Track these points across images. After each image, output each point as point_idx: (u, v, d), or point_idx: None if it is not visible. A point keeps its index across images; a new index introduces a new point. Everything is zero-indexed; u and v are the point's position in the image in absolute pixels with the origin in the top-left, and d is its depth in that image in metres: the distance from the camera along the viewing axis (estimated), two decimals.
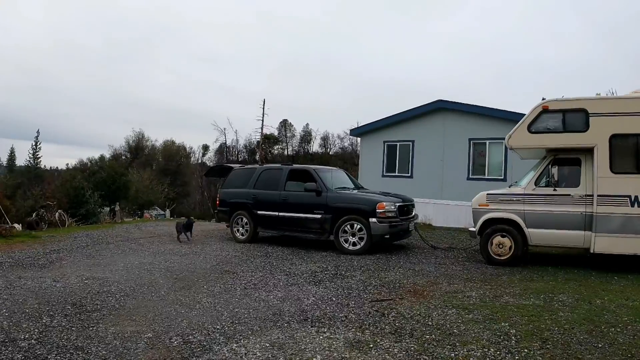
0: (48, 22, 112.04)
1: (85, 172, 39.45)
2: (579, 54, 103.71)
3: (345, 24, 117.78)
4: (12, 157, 78.81)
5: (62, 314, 6.04)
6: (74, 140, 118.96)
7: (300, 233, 12.41)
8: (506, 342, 5.13)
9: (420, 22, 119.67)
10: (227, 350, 4.83)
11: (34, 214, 19.31)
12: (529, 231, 9.92)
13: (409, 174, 20.62)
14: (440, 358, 4.68)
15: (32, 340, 5.07)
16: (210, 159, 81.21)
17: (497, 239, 10.16)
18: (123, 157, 69.23)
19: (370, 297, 7.22)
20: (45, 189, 31.51)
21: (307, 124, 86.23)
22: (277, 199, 12.56)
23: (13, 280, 7.86)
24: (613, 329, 5.58)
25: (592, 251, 9.41)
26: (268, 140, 69.87)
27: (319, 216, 11.78)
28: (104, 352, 4.78)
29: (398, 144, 21.07)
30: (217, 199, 14.34)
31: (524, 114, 16.94)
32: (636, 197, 9.09)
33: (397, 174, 20.99)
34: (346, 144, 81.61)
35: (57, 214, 20.46)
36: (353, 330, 5.55)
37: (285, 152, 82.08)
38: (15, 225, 16.87)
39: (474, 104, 19.12)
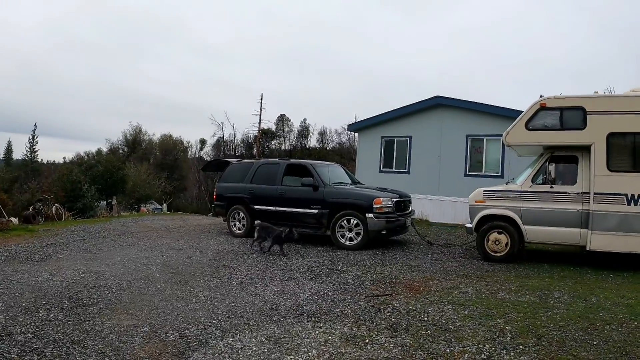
0: (46, 14, 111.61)
1: (83, 166, 39.37)
2: (580, 50, 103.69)
3: (344, 18, 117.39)
4: (9, 150, 78.78)
5: (59, 308, 6.04)
6: (72, 134, 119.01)
7: (297, 228, 12.39)
8: (501, 339, 5.15)
9: (420, 16, 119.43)
10: (224, 345, 4.84)
11: (30, 208, 19.24)
12: (525, 228, 9.94)
13: (406, 170, 20.62)
14: (435, 354, 4.70)
15: (29, 334, 5.07)
16: (207, 153, 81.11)
17: (494, 235, 10.18)
18: (120, 151, 69.07)
19: (366, 292, 7.24)
20: (42, 183, 31.43)
21: (305, 119, 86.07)
22: (274, 193, 12.56)
23: (9, 274, 7.85)
24: (608, 327, 5.60)
25: (588, 249, 9.43)
26: (265, 134, 69.85)
27: (316, 211, 11.79)
28: (100, 346, 4.78)
29: (395, 139, 21.05)
30: (214, 193, 14.32)
31: (522, 111, 17.11)
32: (632, 195, 9.11)
33: (394, 169, 20.99)
34: (344, 140, 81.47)
35: (53, 207, 20.40)
36: (349, 325, 5.57)
37: (283, 147, 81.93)
38: (12, 219, 16.89)
39: (472, 100, 19.11)
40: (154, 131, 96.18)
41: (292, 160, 13.68)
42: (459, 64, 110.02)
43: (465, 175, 18.96)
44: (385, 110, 21.46)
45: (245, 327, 5.45)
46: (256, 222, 11.30)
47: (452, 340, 5.10)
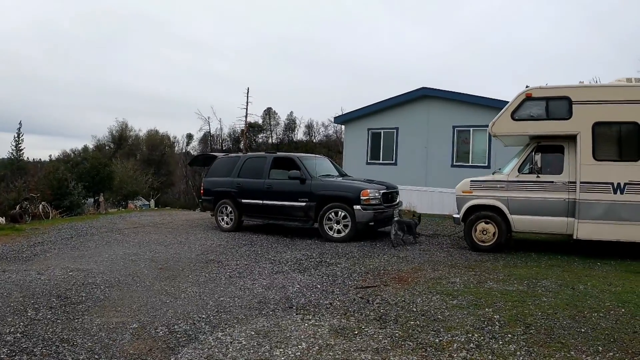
0: (28, 8, 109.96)
1: (69, 163, 39.08)
2: (565, 39, 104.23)
3: (331, 9, 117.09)
4: None
5: (47, 307, 6.01)
6: (57, 131, 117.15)
7: (284, 221, 12.43)
8: (490, 328, 5.20)
9: (407, 7, 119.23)
10: (213, 339, 4.85)
11: (17, 207, 19.06)
12: (513, 218, 9.99)
13: (393, 162, 20.70)
14: (424, 344, 4.74)
15: (18, 334, 5.05)
16: (194, 148, 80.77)
17: (481, 225, 10.22)
18: (107, 148, 68.54)
19: (355, 284, 7.27)
20: (28, 181, 31.14)
21: (292, 112, 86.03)
22: (262, 187, 12.55)
23: None
24: (596, 314, 5.66)
25: (575, 237, 9.50)
26: (252, 128, 69.62)
27: (304, 204, 11.79)
28: (89, 343, 4.77)
29: (382, 131, 21.10)
30: (201, 187, 14.28)
31: (508, 102, 17.21)
32: (619, 184, 9.19)
33: (381, 161, 21.06)
34: (330, 132, 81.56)
35: (40, 206, 20.24)
36: (338, 317, 5.59)
37: (270, 141, 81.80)
38: None
39: (458, 91, 19.21)
40: (140, 127, 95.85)
41: (278, 153, 13.64)
42: (446, 56, 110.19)
43: (452, 166, 19.08)
44: (372, 102, 21.49)
45: (235, 321, 5.45)
46: (395, 218, 11.50)
47: (441, 330, 5.14)
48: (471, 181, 10.51)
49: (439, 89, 19.57)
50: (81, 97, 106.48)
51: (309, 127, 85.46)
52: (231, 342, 4.76)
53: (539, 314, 5.68)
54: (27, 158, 71.71)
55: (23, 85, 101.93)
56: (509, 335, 4.96)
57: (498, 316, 5.59)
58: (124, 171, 44.79)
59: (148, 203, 39.42)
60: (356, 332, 5.05)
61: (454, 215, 10.81)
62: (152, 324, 5.35)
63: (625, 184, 9.16)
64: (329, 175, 12.77)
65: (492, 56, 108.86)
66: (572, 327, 5.20)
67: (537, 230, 10.23)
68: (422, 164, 19.73)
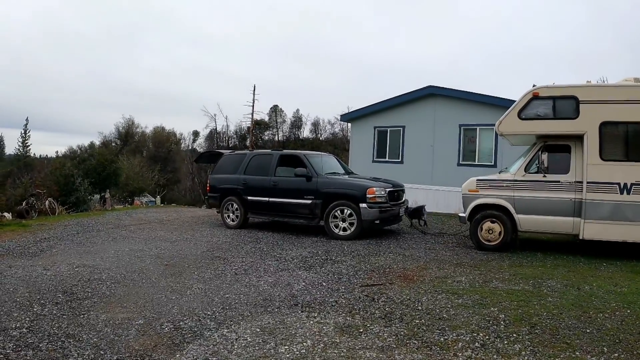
0: (37, 6, 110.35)
1: (75, 160, 39.14)
2: (573, 39, 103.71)
3: (339, 6, 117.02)
4: (1, 145, 78.29)
5: (53, 302, 6.04)
6: (64, 127, 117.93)
7: (290, 218, 12.46)
8: (495, 327, 5.19)
9: (415, 5, 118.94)
10: (218, 336, 4.86)
11: (23, 203, 19.08)
12: (519, 217, 9.95)
13: (400, 160, 20.67)
14: (429, 342, 4.73)
15: (24, 329, 5.08)
16: (200, 145, 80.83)
17: (487, 224, 10.20)
18: (113, 144, 68.69)
19: (360, 282, 7.26)
20: (34, 177, 31.21)
21: (298, 110, 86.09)
22: (268, 184, 12.56)
23: (3, 269, 7.84)
24: (601, 315, 5.63)
25: (581, 237, 9.46)
26: (258, 126, 69.67)
27: (309, 201, 11.79)
28: (95, 339, 4.79)
29: (388, 129, 21.07)
30: (207, 184, 14.30)
31: (514, 101, 17.13)
32: (625, 184, 9.15)
33: (387, 159, 21.03)
34: (337, 130, 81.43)
35: (47, 202, 20.27)
36: (343, 315, 5.60)
37: (276, 138, 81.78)
38: (5, 214, 16.78)
39: (465, 89, 19.15)
40: (147, 123, 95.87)
41: (285, 150, 13.68)
42: (453, 54, 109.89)
43: (459, 164, 19.02)
44: (378, 100, 21.48)
45: (240, 318, 5.46)
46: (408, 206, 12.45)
47: (446, 328, 5.14)
48: (477, 180, 10.48)
49: (445, 88, 19.52)
50: (88, 94, 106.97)
51: (315, 125, 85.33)
52: (236, 339, 4.76)
53: (544, 314, 5.66)
54: (34, 154, 72.22)
55: (30, 81, 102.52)
56: (514, 335, 4.94)
57: (503, 315, 5.57)
58: (130, 168, 44.90)
59: (154, 200, 39.47)
60: (361, 330, 5.05)
61: (460, 214, 10.78)
62: (157, 320, 5.37)
63: (632, 185, 9.12)
64: (335, 173, 12.77)
65: (500, 57, 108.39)
66: (578, 328, 5.17)
67: (543, 230, 10.18)
68: (428, 163, 19.69)
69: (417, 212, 13.02)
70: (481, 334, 4.97)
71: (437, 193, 19.26)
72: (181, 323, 5.26)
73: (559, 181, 9.72)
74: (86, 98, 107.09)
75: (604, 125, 9.37)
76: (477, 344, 4.71)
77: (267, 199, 12.54)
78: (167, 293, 6.47)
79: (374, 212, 11.11)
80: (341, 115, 23.56)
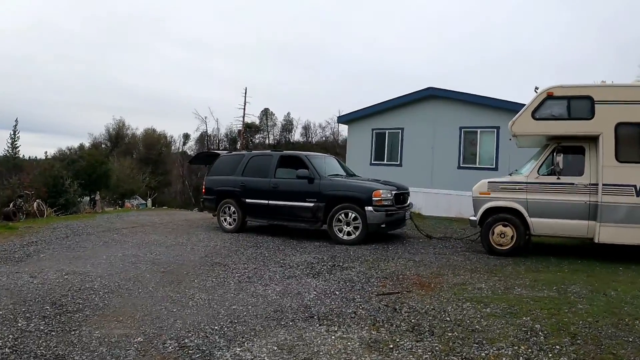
0: (25, 4, 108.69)
1: (65, 161, 38.33)
2: (568, 44, 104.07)
3: (331, 10, 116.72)
4: None
5: (40, 316, 5.40)
6: (54, 128, 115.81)
7: (291, 222, 11.88)
8: (535, 339, 4.77)
9: (406, 9, 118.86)
10: (231, 356, 4.28)
11: (11, 204, 18.37)
12: (532, 220, 9.57)
13: (398, 162, 20.16)
14: (470, 358, 4.23)
15: (6, 349, 4.43)
16: (191, 147, 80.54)
17: (499, 228, 9.77)
18: (103, 146, 67.90)
19: (375, 289, 6.75)
20: (23, 179, 30.44)
21: (289, 113, 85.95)
22: (267, 186, 12.00)
23: None
24: (637, 322, 5.33)
25: (596, 241, 9.15)
26: (249, 129, 69.27)
27: (312, 204, 11.25)
28: None
29: (387, 131, 20.56)
30: (203, 186, 13.71)
31: (518, 103, 16.78)
32: None
33: (385, 162, 20.51)
34: (327, 133, 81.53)
35: (35, 204, 19.57)
36: (367, 328, 5.06)
37: (267, 141, 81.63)
38: None
39: (465, 91, 18.68)
40: (138, 125, 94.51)
41: (285, 151, 13.10)
42: (445, 59, 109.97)
43: (459, 167, 18.57)
44: (376, 102, 20.98)
45: (252, 333, 4.89)
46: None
47: (484, 342, 4.66)
48: (489, 182, 10.05)
49: (445, 89, 19.05)
50: (78, 95, 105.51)
51: (306, 128, 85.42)
52: (252, 359, 4.20)
53: (580, 322, 5.28)
54: (23, 156, 70.73)
55: (20, 82, 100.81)
56: (557, 347, 4.54)
57: (539, 325, 5.15)
58: (120, 170, 44.23)
59: (145, 202, 38.88)
60: (391, 346, 4.52)
61: (471, 218, 10.31)
62: (159, 337, 4.77)
63: None
64: (338, 174, 12.24)
65: (496, 63, 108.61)
66: (619, 336, 4.85)
67: (556, 234, 9.80)
68: (427, 166, 19.20)
69: None
70: (522, 347, 4.52)
71: (437, 196, 18.77)
72: (186, 340, 4.66)
73: (573, 183, 9.40)
74: (77, 99, 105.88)
75: (619, 126, 9.10)
76: (521, 358, 4.27)
77: (266, 201, 11.97)
78: (167, 304, 5.86)
79: (380, 215, 10.60)
80: (338, 117, 23.01)
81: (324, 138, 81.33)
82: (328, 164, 12.48)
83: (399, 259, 9.14)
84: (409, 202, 12.19)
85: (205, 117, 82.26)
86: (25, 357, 4.27)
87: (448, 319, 5.39)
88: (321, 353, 4.32)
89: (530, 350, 4.45)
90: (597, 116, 9.19)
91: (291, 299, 6.17)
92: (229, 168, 12.99)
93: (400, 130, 20.15)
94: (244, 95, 53.16)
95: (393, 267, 8.37)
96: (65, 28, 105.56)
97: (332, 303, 6.03)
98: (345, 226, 10.89)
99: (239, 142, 60.81)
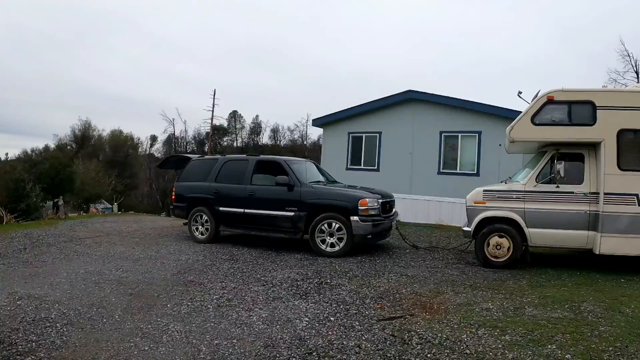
0: None
1: (27, 164, 36.56)
2: (531, 50, 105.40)
3: (302, 12, 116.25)
4: None
5: None
6: (18, 129, 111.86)
7: (269, 232, 11.02)
8: None
9: (378, 13, 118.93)
10: None
11: None
12: (530, 231, 9.08)
13: (376, 167, 19.48)
14: None
15: None
16: (158, 150, 79.17)
17: (495, 239, 9.23)
18: (68, 147, 65.46)
19: (374, 314, 6.00)
20: None
21: (257, 116, 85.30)
22: (243, 193, 11.14)
23: None
24: None
25: (597, 252, 8.72)
26: (217, 131, 68.13)
27: (292, 213, 10.45)
28: None
29: (364, 135, 19.87)
30: (173, 193, 12.76)
31: (501, 107, 16.34)
32: None
33: (362, 167, 19.80)
34: (296, 137, 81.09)
35: None
36: None
37: (235, 144, 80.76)
38: None
39: (446, 95, 18.15)
40: (104, 126, 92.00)
41: (262, 156, 12.23)
42: (418, 64, 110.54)
43: (439, 173, 18.02)
44: (353, 105, 20.28)
45: None
46: None
47: None
48: (484, 191, 9.48)
49: (425, 92, 18.44)
50: (44, 95, 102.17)
51: (275, 131, 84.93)
52: None
53: (610, 349, 4.79)
54: None
55: None
56: None
57: (569, 355, 4.61)
58: (85, 172, 42.47)
59: (111, 207, 37.41)
60: None
61: (464, 228, 9.68)
62: None
63: None
64: (319, 181, 11.45)
65: (466, 67, 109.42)
66: None
67: (555, 245, 9.30)
68: (406, 171, 18.58)
69: None
70: None
71: (416, 203, 18.15)
72: None
73: (572, 192, 8.95)
74: (42, 99, 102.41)
75: (622, 133, 8.75)
76: None
77: (242, 210, 11.12)
78: (137, 340, 4.92)
79: (366, 225, 9.87)
80: (313, 120, 22.20)
81: (291, 141, 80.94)
82: (309, 170, 11.69)
83: (389, 274, 8.44)
84: (394, 211, 11.49)
85: (173, 119, 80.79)
86: None
87: (468, 351, 4.69)
88: None
89: None
90: (599, 122, 8.79)
91: (281, 328, 5.36)
92: (201, 173, 12.08)
93: (377, 134, 19.49)
94: (212, 97, 52.15)
95: (386, 284, 7.66)
96: (31, 27, 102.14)
97: (330, 333, 5.24)
98: (329, 237, 10.13)
99: (207, 145, 59.59)
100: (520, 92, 10.07)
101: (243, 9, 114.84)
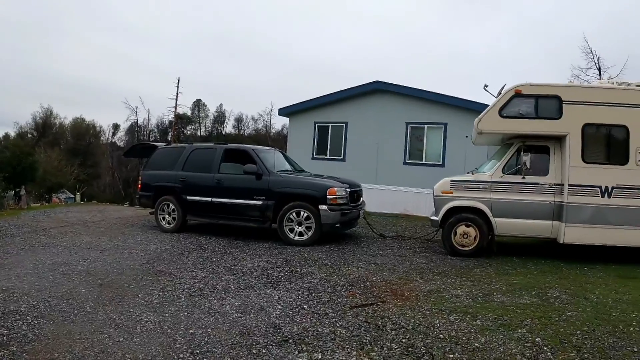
0: None
1: None
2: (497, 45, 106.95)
3: (267, 3, 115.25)
4: None
5: None
6: None
7: (237, 221, 10.94)
8: (542, 355, 4.39)
9: (346, 5, 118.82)
10: None
11: None
12: (496, 220, 9.28)
13: (342, 157, 19.58)
14: None
15: None
16: (121, 138, 77.73)
17: (462, 228, 9.41)
18: (29, 135, 63.80)
19: (346, 301, 6.05)
20: None
21: (221, 105, 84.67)
22: (211, 182, 11.03)
23: None
24: (631, 329, 5.16)
25: (560, 241, 9.02)
26: (181, 120, 67.18)
27: (260, 202, 10.41)
28: None
29: (330, 125, 19.92)
30: (139, 181, 12.55)
31: (467, 100, 16.60)
32: (607, 187, 8.86)
33: (328, 156, 19.87)
34: (260, 126, 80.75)
35: None
36: (354, 353, 4.33)
37: (199, 133, 79.93)
38: None
39: (413, 86, 18.32)
40: (66, 114, 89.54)
41: (230, 144, 12.11)
42: (384, 56, 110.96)
43: (405, 163, 18.24)
44: (320, 95, 20.31)
45: None
46: None
47: None
48: (452, 181, 9.63)
49: (392, 83, 18.59)
50: (3, 82, 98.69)
51: (239, 120, 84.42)
52: None
53: (578, 332, 4.97)
54: None
55: None
56: None
57: (539, 339, 4.75)
58: (48, 161, 41.43)
59: (73, 196, 36.63)
60: None
61: (432, 218, 9.83)
62: None
63: (612, 188, 8.85)
64: (287, 170, 11.42)
65: (426, 59, 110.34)
66: (622, 347, 4.62)
67: (520, 234, 9.57)
68: (372, 161, 18.72)
69: None
70: None
71: (382, 192, 18.30)
72: None
73: (537, 183, 9.21)
74: (2, 86, 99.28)
75: (587, 127, 9.04)
76: None
77: (209, 199, 11.02)
78: (111, 331, 4.81)
79: (335, 215, 9.91)
80: (279, 109, 22.09)
81: (255, 131, 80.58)
82: (277, 159, 11.66)
83: (358, 262, 8.51)
84: (362, 200, 11.57)
85: (136, 107, 79.65)
86: None
87: (441, 336, 4.77)
88: None
89: None
90: (565, 116, 9.03)
91: (255, 317, 5.34)
92: (168, 162, 11.89)
93: (344, 124, 19.57)
94: (176, 85, 51.34)
95: (356, 272, 7.71)
96: None
97: (304, 320, 5.26)
98: (297, 226, 10.14)
99: (170, 134, 58.75)
100: (486, 86, 10.26)
101: None
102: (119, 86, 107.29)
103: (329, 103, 19.98)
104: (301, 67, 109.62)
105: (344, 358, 4.23)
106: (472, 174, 9.94)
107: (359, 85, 19.23)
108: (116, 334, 4.72)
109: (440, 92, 17.60)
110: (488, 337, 4.78)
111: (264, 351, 4.37)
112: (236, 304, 5.83)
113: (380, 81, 18.73)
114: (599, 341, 4.75)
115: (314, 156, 20.13)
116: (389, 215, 16.61)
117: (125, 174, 57.10)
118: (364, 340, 4.65)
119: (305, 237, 10.07)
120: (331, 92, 19.97)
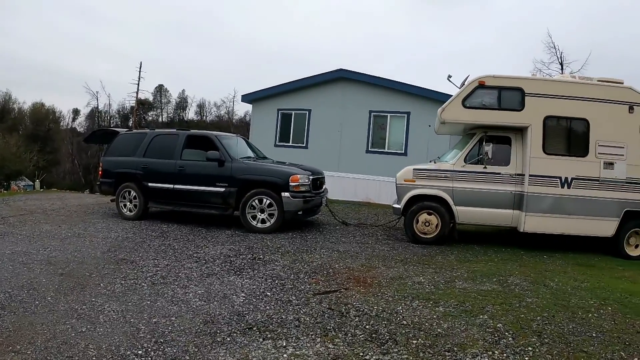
0: None
1: None
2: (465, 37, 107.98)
3: None
4: None
5: None
6: None
7: (199, 209, 10.81)
8: (504, 340, 4.51)
9: None
10: None
11: None
12: (457, 209, 9.45)
13: (304, 145, 19.58)
14: None
15: None
16: (81, 124, 75.90)
17: (423, 216, 9.55)
18: None
19: (309, 288, 6.07)
20: None
21: (183, 90, 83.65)
22: (173, 169, 10.88)
23: None
24: (590, 315, 5.37)
25: (520, 230, 9.25)
26: (143, 105, 66.01)
27: (223, 189, 10.33)
28: None
29: (293, 112, 19.87)
30: (100, 168, 12.29)
31: (431, 89, 16.79)
32: (566, 178, 9.11)
33: (291, 143, 19.83)
34: (222, 112, 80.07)
35: None
36: (319, 340, 4.37)
37: (160, 119, 78.71)
38: None
39: (377, 75, 18.40)
40: (25, 99, 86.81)
41: (193, 131, 11.96)
42: (350, 45, 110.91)
43: (367, 152, 18.35)
44: (283, 82, 20.21)
45: (185, 356, 4.01)
46: None
47: (454, 349, 4.24)
48: (414, 169, 9.74)
49: (356, 72, 18.63)
50: None
51: (201, 106, 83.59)
52: None
53: (538, 318, 5.16)
54: None
55: None
56: (529, 349, 4.34)
57: (501, 325, 4.89)
58: (6, 147, 40.15)
59: (32, 184, 35.65)
60: None
61: (394, 205, 9.95)
62: None
63: (572, 179, 9.12)
64: (249, 157, 11.36)
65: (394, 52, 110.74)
66: (581, 332, 4.80)
67: (481, 222, 9.79)
68: (335, 149, 18.78)
69: None
70: (497, 352, 4.22)
71: (344, 180, 18.41)
72: None
73: (499, 173, 9.41)
74: None
75: (548, 119, 9.28)
76: None
77: (171, 185, 10.86)
78: (74, 321, 4.70)
79: (297, 202, 9.93)
80: (243, 96, 21.89)
81: (218, 117, 79.88)
82: (239, 146, 11.59)
83: (321, 249, 8.55)
84: (324, 187, 11.62)
85: (97, 92, 77.74)
86: None
87: (405, 322, 4.85)
88: None
89: (505, 355, 4.17)
90: (527, 108, 9.24)
91: (219, 305, 5.32)
92: (129, 148, 11.64)
93: (307, 112, 19.54)
94: (138, 70, 50.08)
95: (318, 259, 7.75)
96: None
97: (267, 307, 5.26)
98: (260, 213, 10.10)
99: (131, 119, 57.64)
100: (450, 76, 10.41)
101: None
102: (80, 71, 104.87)
103: (292, 90, 19.89)
104: (268, 56, 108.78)
105: (308, 345, 4.25)
106: (435, 162, 10.10)
107: (323, 73, 19.20)
108: (79, 325, 4.62)
109: (403, 82, 17.72)
110: (450, 323, 4.88)
111: (228, 339, 4.36)
112: (199, 292, 5.80)
113: (344, 69, 18.75)
114: (558, 327, 4.91)
115: (277, 143, 20.07)
116: (351, 202, 16.73)
117: (86, 161, 55.79)
118: (328, 327, 4.69)
119: (268, 224, 10.05)
120: (295, 79, 19.90)
